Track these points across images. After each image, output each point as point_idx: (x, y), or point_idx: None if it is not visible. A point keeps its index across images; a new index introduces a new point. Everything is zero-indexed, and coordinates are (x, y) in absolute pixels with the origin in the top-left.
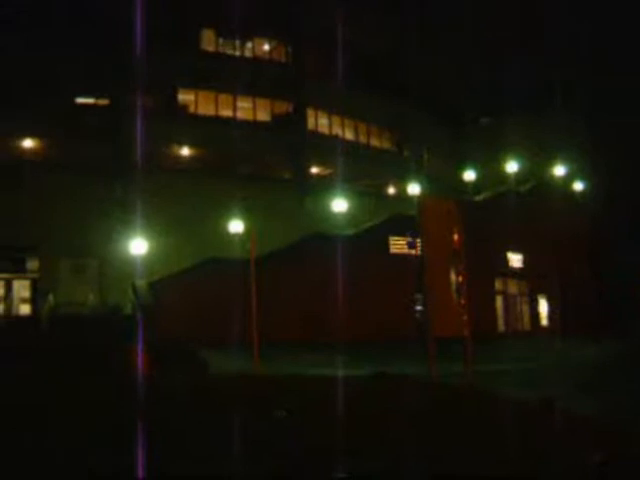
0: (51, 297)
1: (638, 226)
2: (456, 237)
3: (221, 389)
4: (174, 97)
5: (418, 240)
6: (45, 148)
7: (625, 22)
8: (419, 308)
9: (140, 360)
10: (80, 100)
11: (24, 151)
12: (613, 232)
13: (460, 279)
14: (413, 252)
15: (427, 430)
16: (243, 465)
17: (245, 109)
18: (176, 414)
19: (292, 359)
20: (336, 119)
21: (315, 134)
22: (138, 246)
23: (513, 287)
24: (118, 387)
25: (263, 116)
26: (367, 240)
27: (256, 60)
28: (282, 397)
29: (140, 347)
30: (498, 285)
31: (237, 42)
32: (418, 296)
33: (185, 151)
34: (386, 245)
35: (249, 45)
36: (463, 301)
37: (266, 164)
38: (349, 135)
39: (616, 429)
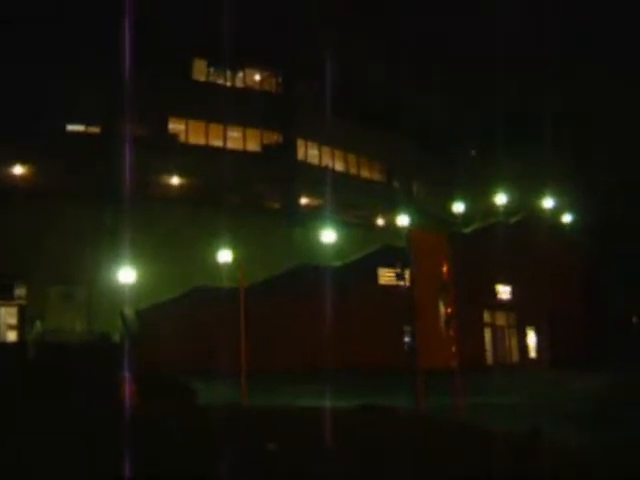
0: (39, 324)
1: (627, 259)
2: (445, 269)
3: (210, 421)
4: (165, 126)
5: (407, 271)
6: (35, 175)
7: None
8: (407, 340)
9: (127, 390)
10: (71, 127)
11: (13, 178)
12: (602, 265)
13: (449, 311)
14: (402, 283)
15: (411, 463)
16: None
17: (235, 139)
18: (163, 447)
19: (280, 390)
20: (326, 150)
21: (305, 164)
22: (127, 274)
23: (501, 319)
24: (104, 418)
25: (253, 146)
26: (356, 271)
27: (247, 90)
28: (271, 429)
29: (127, 376)
30: (486, 317)
31: (228, 72)
32: (407, 328)
33: (175, 180)
34: (375, 276)
35: (240, 75)
36: (452, 333)
37: (255, 194)
38: (339, 166)
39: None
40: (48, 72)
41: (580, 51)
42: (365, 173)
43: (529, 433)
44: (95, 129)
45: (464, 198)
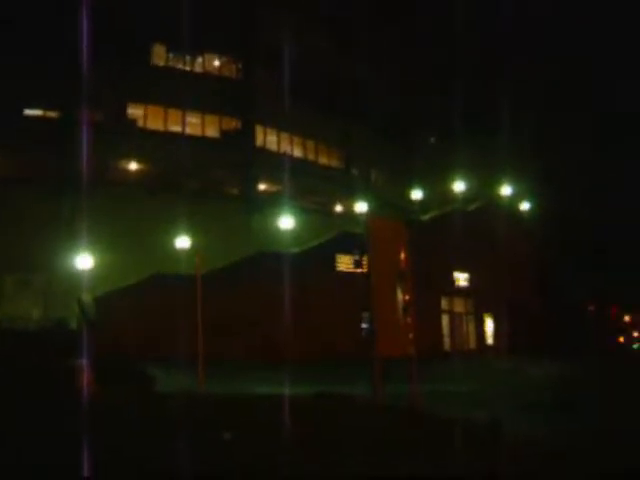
0: None
1: (583, 246)
2: (403, 256)
3: (166, 408)
4: (123, 111)
5: (365, 258)
6: None
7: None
8: (364, 326)
9: (84, 377)
10: (28, 112)
11: None
12: (558, 252)
13: (406, 298)
14: (360, 270)
15: (363, 449)
16: None
17: (194, 124)
18: (119, 435)
19: (238, 377)
20: (285, 136)
21: (263, 151)
22: (84, 260)
23: (459, 306)
24: (60, 406)
25: (212, 132)
26: (314, 258)
27: (206, 76)
28: (226, 416)
29: (84, 364)
30: (444, 304)
31: (187, 57)
32: (364, 314)
33: (133, 165)
34: (333, 263)
35: (199, 60)
36: (409, 320)
37: (214, 180)
38: (297, 152)
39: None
40: (4, 56)
41: (537, 36)
42: (323, 160)
43: (488, 422)
44: (53, 114)
45: (422, 185)
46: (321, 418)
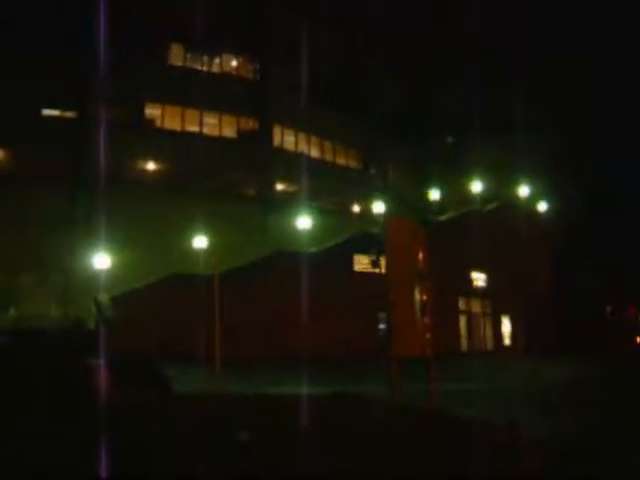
0: (12, 310)
1: (599, 249)
2: (421, 257)
3: (184, 409)
4: (141, 111)
5: (382, 258)
6: (11, 160)
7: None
8: (382, 326)
9: (100, 377)
10: (46, 112)
11: None
12: (576, 252)
13: (424, 298)
14: (377, 270)
15: (380, 450)
16: None
17: (211, 124)
18: (134, 435)
19: (255, 377)
20: (302, 136)
21: (281, 151)
22: (101, 260)
23: (476, 306)
24: (76, 407)
25: (229, 132)
26: (331, 258)
27: (223, 76)
28: (243, 417)
29: (101, 364)
30: (462, 304)
31: (205, 57)
32: (381, 314)
33: (151, 165)
34: (350, 263)
35: (217, 61)
36: (427, 320)
37: (231, 180)
38: (315, 153)
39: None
40: (24, 55)
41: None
42: (341, 160)
43: (505, 424)
44: (71, 114)
45: (440, 186)
46: (337, 419)
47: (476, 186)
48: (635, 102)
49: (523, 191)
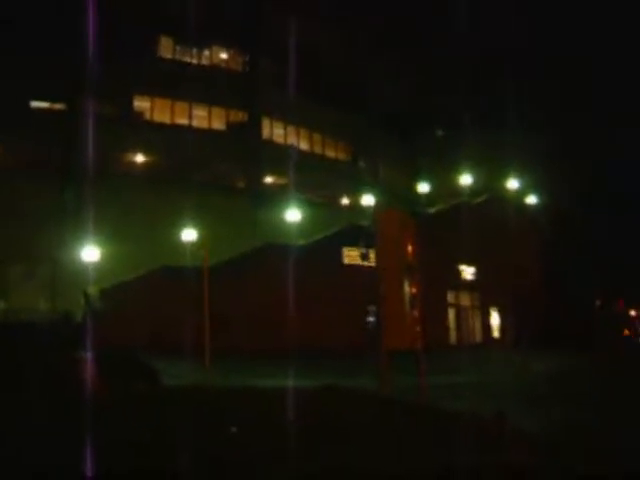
0: (1, 303)
1: (588, 242)
2: (410, 249)
3: (171, 402)
4: (130, 103)
5: (371, 251)
6: None
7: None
8: (371, 319)
9: (87, 370)
10: (35, 105)
11: None
12: (564, 247)
13: (413, 291)
14: (366, 263)
15: (369, 445)
16: None
17: (200, 117)
18: (121, 429)
19: (244, 370)
20: (291, 129)
21: (270, 143)
22: (90, 252)
23: (465, 299)
24: (60, 398)
25: (218, 124)
26: (320, 251)
27: (213, 68)
28: (233, 410)
29: (89, 357)
30: (450, 297)
31: (194, 50)
32: (371, 307)
33: (140, 158)
34: (339, 256)
35: (206, 53)
36: (416, 313)
37: (220, 172)
38: (304, 145)
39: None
40: (11, 47)
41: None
42: (330, 153)
43: (494, 416)
44: (60, 106)
45: (429, 178)
46: (327, 411)
47: (466, 179)
48: (633, 99)
49: (512, 184)
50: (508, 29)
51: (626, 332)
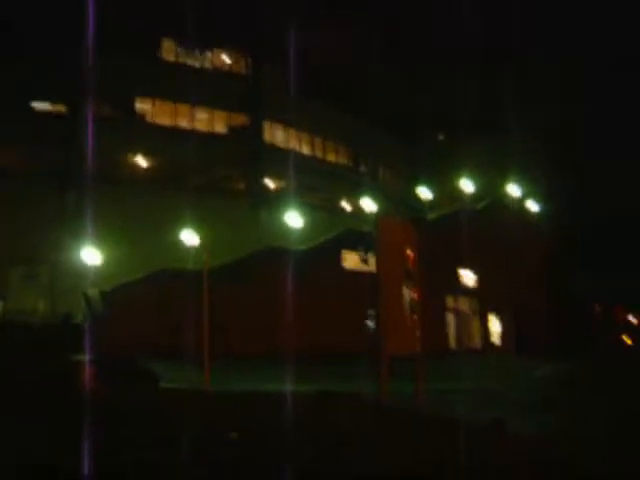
0: (1, 304)
1: (591, 250)
2: (410, 255)
3: (171, 408)
4: (132, 106)
5: (371, 255)
6: None
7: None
8: (369, 323)
9: (86, 374)
10: (36, 106)
11: None
12: (566, 254)
13: (414, 296)
14: (366, 268)
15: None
16: None
17: (202, 120)
18: (118, 434)
19: (243, 374)
20: (292, 133)
21: (271, 147)
22: (91, 255)
23: (465, 305)
24: (59, 402)
25: (220, 128)
26: (320, 255)
27: (215, 72)
28: (230, 416)
29: (88, 359)
30: (450, 302)
31: (197, 53)
32: (371, 312)
33: (141, 160)
34: (339, 260)
35: (208, 56)
36: (416, 318)
37: (221, 176)
38: (305, 149)
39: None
40: (13, 49)
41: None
42: (331, 157)
43: (492, 424)
44: (61, 108)
45: (430, 184)
46: (322, 418)
47: (466, 184)
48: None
49: (514, 190)
50: (512, 30)
51: (626, 339)
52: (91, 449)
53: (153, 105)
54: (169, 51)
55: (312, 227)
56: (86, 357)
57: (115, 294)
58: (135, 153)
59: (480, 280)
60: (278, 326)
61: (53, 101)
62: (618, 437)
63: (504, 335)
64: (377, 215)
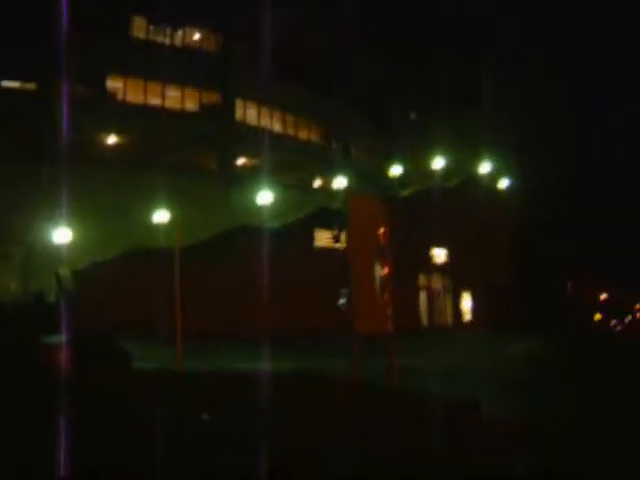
0: None
1: (561, 225)
2: (382, 232)
3: (143, 387)
4: (102, 84)
5: (343, 234)
6: None
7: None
8: (342, 301)
9: (60, 354)
10: (6, 84)
11: None
12: (537, 230)
13: (385, 274)
14: (338, 246)
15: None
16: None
17: (173, 98)
18: (92, 415)
19: (216, 353)
20: (265, 111)
21: (243, 125)
22: (62, 234)
23: (437, 282)
24: (31, 382)
25: (191, 106)
26: (292, 233)
27: (186, 49)
28: (204, 395)
29: (61, 339)
30: (422, 280)
31: (168, 30)
32: (343, 290)
33: (112, 139)
34: (311, 238)
35: (180, 33)
36: (387, 296)
37: (193, 154)
38: (277, 127)
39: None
40: None
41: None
42: (303, 135)
43: (467, 404)
44: (30, 86)
45: (402, 161)
46: (298, 397)
47: (438, 162)
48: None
49: (485, 167)
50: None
51: (597, 316)
52: (64, 431)
53: (124, 83)
54: (140, 28)
55: (285, 205)
56: (60, 337)
57: (87, 273)
58: (107, 131)
59: (452, 258)
60: (251, 304)
61: (23, 79)
62: (595, 419)
63: (475, 312)
64: (347, 192)
